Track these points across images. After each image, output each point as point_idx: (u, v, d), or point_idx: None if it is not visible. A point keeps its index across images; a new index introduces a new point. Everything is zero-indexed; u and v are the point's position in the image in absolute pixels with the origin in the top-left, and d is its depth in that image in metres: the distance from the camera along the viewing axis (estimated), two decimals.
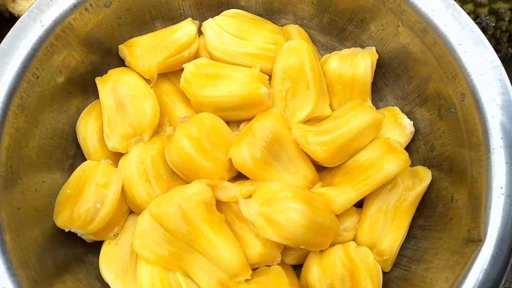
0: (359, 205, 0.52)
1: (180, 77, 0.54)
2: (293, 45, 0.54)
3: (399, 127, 0.55)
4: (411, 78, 0.55)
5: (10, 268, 0.41)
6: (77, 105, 0.56)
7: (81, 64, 0.55)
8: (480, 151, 0.45)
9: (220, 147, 0.50)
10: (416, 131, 0.56)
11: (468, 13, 0.50)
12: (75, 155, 0.55)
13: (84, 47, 0.54)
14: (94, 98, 0.57)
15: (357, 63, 0.56)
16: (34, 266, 0.44)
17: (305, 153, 0.51)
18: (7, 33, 0.49)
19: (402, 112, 0.57)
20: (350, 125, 0.50)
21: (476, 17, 0.57)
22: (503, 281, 0.40)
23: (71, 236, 0.49)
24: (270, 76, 0.55)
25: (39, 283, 0.43)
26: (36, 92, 0.49)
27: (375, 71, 0.58)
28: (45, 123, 0.51)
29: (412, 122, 0.55)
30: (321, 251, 0.48)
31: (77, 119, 0.55)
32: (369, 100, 0.57)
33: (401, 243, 0.51)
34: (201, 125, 0.50)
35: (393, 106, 0.58)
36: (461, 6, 0.49)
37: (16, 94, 0.47)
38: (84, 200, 0.48)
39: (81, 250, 0.51)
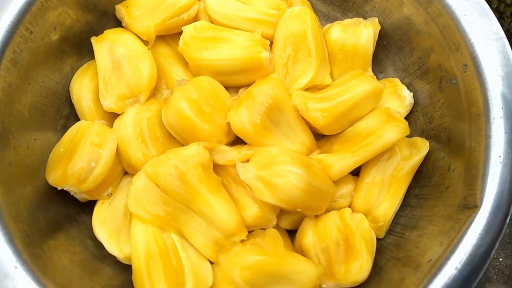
0: (356, 173, 0.52)
1: (179, 40, 0.53)
2: (296, 11, 0.53)
3: (398, 98, 0.55)
4: (413, 50, 0.55)
5: (1, 221, 0.40)
6: (72, 65, 0.54)
7: (76, 23, 0.53)
8: (480, 121, 0.45)
9: (219, 111, 0.49)
10: (415, 103, 0.55)
11: None
12: (69, 115, 0.54)
13: (79, 5, 0.53)
14: (89, 59, 0.56)
15: (359, 33, 0.55)
16: (26, 221, 0.43)
17: (305, 120, 0.50)
18: None
19: (402, 84, 0.56)
20: (350, 93, 0.50)
21: None
22: (496, 246, 0.40)
23: (64, 195, 0.48)
24: (271, 42, 0.54)
25: (31, 237, 0.42)
26: (29, 48, 0.48)
27: (376, 43, 0.58)
28: (38, 80, 0.50)
29: (411, 93, 0.55)
30: (316, 216, 0.48)
31: (71, 79, 0.54)
32: (370, 70, 0.56)
33: (396, 211, 0.51)
34: (200, 88, 0.49)
35: (393, 78, 0.58)
36: None
37: (8, 48, 0.46)
38: (78, 158, 0.47)
39: (74, 209, 0.51)
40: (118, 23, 0.57)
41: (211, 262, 0.46)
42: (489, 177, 0.42)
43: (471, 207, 0.42)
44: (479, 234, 0.40)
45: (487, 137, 0.44)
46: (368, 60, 0.56)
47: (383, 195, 0.49)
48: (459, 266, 0.39)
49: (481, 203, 0.41)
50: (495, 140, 0.43)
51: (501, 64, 0.45)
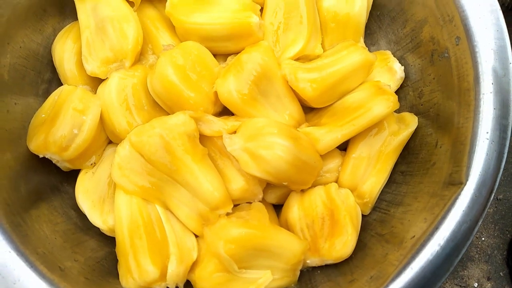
0: (344, 148, 0.51)
1: (166, 2, 0.51)
2: None
3: (389, 71, 0.54)
4: (406, 21, 0.54)
5: None
6: (53, 26, 0.52)
7: None
8: (469, 96, 0.45)
9: (206, 79, 0.48)
10: (406, 78, 0.55)
11: None
12: (51, 80, 0.52)
13: None
14: (72, 20, 0.53)
15: (352, 1, 0.53)
16: (5, 189, 0.42)
17: (294, 92, 0.49)
18: None
19: (394, 57, 0.55)
20: (341, 64, 0.49)
21: None
22: (479, 223, 0.41)
23: (46, 164, 0.47)
24: (262, 7, 0.53)
25: (11, 205, 0.42)
26: (8, 4, 0.45)
27: (369, 14, 0.56)
28: (18, 41, 0.47)
29: (403, 67, 0.54)
30: (303, 191, 0.48)
31: (53, 41, 0.52)
32: (362, 40, 0.55)
33: (382, 187, 0.51)
34: (187, 54, 0.48)
35: (385, 50, 0.57)
36: None
37: None
38: (60, 125, 0.45)
39: (57, 178, 0.50)
40: None
41: (196, 236, 0.46)
42: (475, 153, 0.42)
43: (456, 183, 0.42)
44: (463, 210, 0.40)
45: (476, 112, 0.43)
46: (361, 30, 0.55)
47: (370, 171, 0.49)
48: (442, 243, 0.40)
49: (467, 180, 0.41)
50: (483, 116, 0.43)
51: (494, 37, 0.45)
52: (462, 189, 0.41)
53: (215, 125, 0.47)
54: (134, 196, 0.44)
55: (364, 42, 0.57)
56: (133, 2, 0.51)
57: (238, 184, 0.46)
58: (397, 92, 0.55)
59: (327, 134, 0.47)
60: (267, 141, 0.44)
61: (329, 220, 0.46)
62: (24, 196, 0.44)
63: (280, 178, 0.45)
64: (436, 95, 0.50)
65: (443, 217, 0.40)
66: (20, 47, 0.48)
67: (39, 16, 0.50)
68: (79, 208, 0.48)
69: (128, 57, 0.49)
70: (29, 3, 0.48)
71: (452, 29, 0.47)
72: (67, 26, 0.52)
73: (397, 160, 0.52)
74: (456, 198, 0.41)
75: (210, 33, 0.49)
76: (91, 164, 0.49)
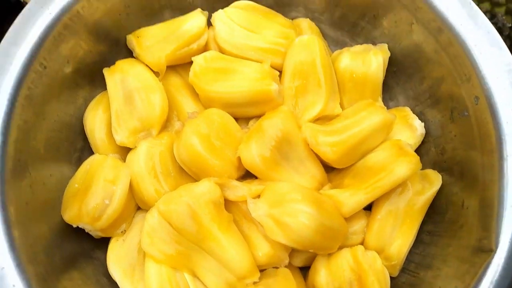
0: (368, 207, 0.51)
1: (189, 70, 0.53)
2: (305, 41, 0.53)
3: (409, 128, 0.55)
4: (424, 78, 0.55)
5: (19, 265, 0.41)
6: (85, 96, 0.55)
7: (88, 54, 0.54)
8: (493, 158, 0.45)
9: (229, 145, 0.50)
10: (427, 133, 0.55)
11: (485, 12, 0.49)
12: (83, 148, 0.55)
13: (92, 36, 0.53)
14: (102, 89, 0.56)
15: (369, 61, 0.55)
16: (43, 262, 0.44)
17: (315, 153, 0.50)
18: (13, 19, 0.47)
19: (413, 112, 0.56)
20: (361, 126, 0.50)
21: (492, 17, 0.56)
22: None
23: (79, 231, 0.49)
24: (280, 71, 0.55)
25: (48, 280, 0.43)
26: (43, 83, 0.48)
27: (386, 69, 0.57)
28: (53, 115, 0.50)
29: (423, 123, 0.55)
30: (329, 254, 0.48)
31: (85, 110, 0.55)
32: (380, 99, 0.56)
33: (409, 248, 0.51)
34: (210, 122, 0.49)
35: (404, 106, 0.58)
36: (478, 5, 0.48)
37: (23, 85, 0.46)
38: (92, 195, 0.48)
39: (89, 245, 0.51)
40: (130, 52, 0.57)
41: None
42: (504, 219, 0.42)
43: (486, 250, 0.41)
44: (495, 280, 0.39)
45: (500, 175, 0.43)
46: (378, 88, 0.56)
47: (396, 232, 0.49)
48: None
49: (496, 247, 0.40)
50: (509, 180, 0.43)
51: None
52: (492, 257, 0.40)
53: (240, 190, 0.48)
54: (164, 265, 0.45)
55: (383, 97, 0.58)
56: (158, 72, 0.54)
57: (264, 250, 0.47)
58: (418, 147, 0.56)
59: (351, 197, 0.48)
60: (292, 207, 0.45)
61: (357, 285, 0.46)
62: (58, 267, 0.46)
63: (306, 245, 0.45)
64: (459, 153, 0.50)
65: (474, 287, 0.40)
66: (55, 121, 0.50)
67: (71, 90, 0.52)
68: (110, 275, 0.49)
69: (155, 126, 0.51)
70: (62, 79, 0.50)
71: (470, 88, 0.48)
72: (98, 96, 0.55)
73: (424, 219, 0.51)
74: (487, 266, 0.40)
75: (232, 101, 0.51)
76: (122, 231, 0.50)
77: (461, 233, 0.46)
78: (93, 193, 0.48)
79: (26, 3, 0.63)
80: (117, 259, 0.49)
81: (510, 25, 0.55)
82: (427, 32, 0.51)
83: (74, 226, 0.48)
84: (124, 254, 0.49)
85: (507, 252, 0.40)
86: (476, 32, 0.48)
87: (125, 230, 0.50)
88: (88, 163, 0.51)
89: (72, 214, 0.47)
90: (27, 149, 0.47)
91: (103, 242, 0.51)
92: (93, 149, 0.54)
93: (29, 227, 0.44)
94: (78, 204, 0.47)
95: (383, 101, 0.57)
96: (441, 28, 0.49)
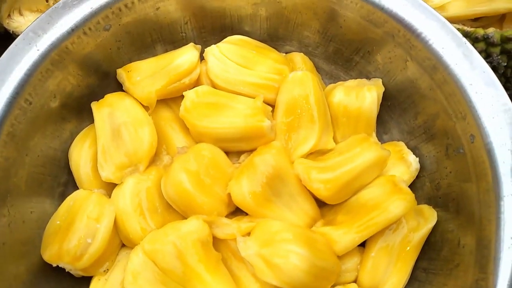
0: (361, 243, 0.50)
1: (180, 103, 0.52)
2: (298, 77, 0.53)
3: (404, 163, 0.53)
4: (418, 114, 0.54)
5: None
6: (71, 130, 0.53)
7: (76, 88, 0.53)
8: (489, 197, 0.43)
9: (219, 181, 0.48)
10: (422, 168, 0.54)
11: (480, 52, 0.49)
12: (67, 182, 0.53)
13: (80, 71, 0.52)
14: (89, 122, 0.55)
15: (363, 96, 0.54)
16: None
17: (307, 189, 0.49)
18: (1, 50, 0.46)
19: (408, 147, 0.55)
20: (355, 163, 0.48)
21: (487, 56, 0.56)
22: None
23: (59, 270, 0.47)
24: (273, 106, 0.54)
25: None
26: (28, 119, 0.47)
27: (380, 103, 0.57)
28: (36, 150, 0.49)
29: (417, 158, 0.54)
30: None
31: (70, 144, 0.53)
32: (374, 134, 0.55)
33: (404, 286, 0.49)
34: (200, 158, 0.48)
35: (398, 140, 0.57)
36: (473, 45, 0.48)
37: (6, 122, 0.45)
38: (74, 233, 0.45)
39: (69, 285, 0.49)
40: (119, 84, 0.56)
41: None
42: (501, 260, 0.40)
43: None
44: None
45: (498, 216, 0.42)
46: (372, 123, 0.55)
47: (391, 269, 0.48)
48: None
49: None
50: (507, 220, 0.41)
51: (510, 138, 0.44)
52: None
53: (229, 228, 0.47)
54: None
55: (377, 130, 0.57)
56: (148, 107, 0.53)
57: None
58: (413, 182, 0.54)
59: (344, 236, 0.46)
60: (282, 248, 0.43)
61: None
62: None
63: (297, 287, 0.43)
64: (455, 190, 0.49)
65: None
66: (38, 155, 0.49)
67: (57, 124, 0.51)
68: None
69: (143, 161, 0.49)
70: (48, 114, 0.49)
71: (466, 126, 0.47)
72: (84, 129, 0.54)
73: (419, 255, 0.49)
74: None
75: (223, 136, 0.50)
76: (104, 270, 0.48)
77: (457, 272, 0.44)
78: (75, 231, 0.46)
79: (14, 33, 0.64)
80: None
81: (505, 64, 0.55)
82: (422, 70, 0.51)
83: (54, 265, 0.45)
84: None
85: None
86: (472, 71, 0.47)
87: (107, 269, 0.48)
88: (72, 199, 0.49)
89: (52, 253, 0.45)
90: (6, 187, 0.45)
91: (85, 281, 0.48)
92: (78, 184, 0.52)
93: (5, 268, 0.42)
94: (59, 242, 0.45)
95: (377, 134, 0.56)
96: (436, 66, 0.49)
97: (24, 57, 0.46)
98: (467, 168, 0.47)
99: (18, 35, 0.47)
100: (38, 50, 0.46)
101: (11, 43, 0.47)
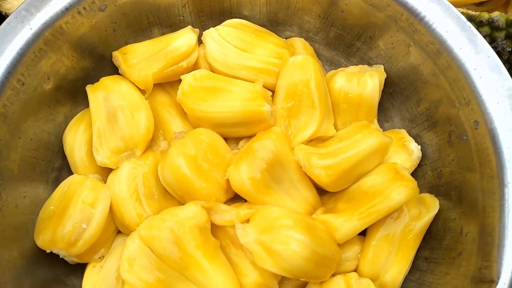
0: (362, 232, 0.49)
1: (178, 88, 0.51)
2: (299, 61, 0.52)
3: (406, 151, 0.53)
4: (420, 100, 0.53)
5: None
6: (65, 114, 0.52)
7: (71, 70, 0.51)
8: (493, 184, 0.43)
9: (218, 167, 0.47)
10: (424, 156, 0.53)
11: (484, 37, 0.48)
12: (61, 167, 0.52)
13: (75, 53, 0.51)
14: (84, 107, 0.53)
15: (364, 82, 0.53)
16: None
17: (308, 175, 0.48)
18: None
19: (410, 135, 0.54)
20: (356, 149, 0.47)
21: (492, 41, 0.55)
22: None
23: (53, 257, 0.46)
24: (273, 91, 0.52)
25: None
26: (20, 100, 0.45)
27: (382, 90, 0.56)
28: (29, 133, 0.47)
29: (419, 146, 0.53)
30: (321, 281, 0.45)
31: (65, 128, 0.52)
32: (375, 121, 0.54)
33: (405, 276, 0.48)
34: (198, 142, 0.47)
35: (399, 127, 0.56)
36: (477, 29, 0.47)
37: None
38: (69, 219, 0.44)
39: (63, 271, 0.48)
40: (115, 68, 0.55)
41: None
42: (505, 248, 0.39)
43: (487, 281, 0.39)
44: None
45: (501, 203, 0.41)
46: (374, 110, 0.54)
47: (391, 259, 0.47)
48: None
49: (498, 278, 0.38)
50: (510, 207, 0.41)
51: None
52: None
53: (227, 215, 0.46)
54: None
55: (378, 118, 0.56)
56: (145, 90, 0.51)
57: (252, 278, 0.44)
58: (415, 171, 0.54)
59: (345, 223, 0.45)
60: (282, 234, 0.42)
61: None
62: None
63: (297, 274, 0.42)
64: (457, 178, 0.48)
65: None
66: (31, 139, 0.48)
67: (51, 107, 0.50)
68: None
69: (139, 146, 0.48)
70: (41, 96, 0.48)
71: (470, 112, 0.46)
72: (79, 114, 0.53)
73: (420, 244, 0.49)
74: None
75: (221, 121, 0.49)
76: (99, 257, 0.47)
77: (459, 261, 0.44)
78: (69, 216, 0.44)
79: (7, 14, 0.62)
80: (93, 287, 0.45)
81: (510, 49, 0.54)
82: (425, 55, 0.50)
83: (48, 251, 0.44)
84: (101, 282, 0.45)
85: (510, 283, 0.38)
86: (476, 56, 0.46)
87: (103, 256, 0.47)
88: (66, 184, 0.48)
89: (46, 239, 0.44)
90: None
91: (79, 268, 0.47)
92: (72, 169, 0.51)
93: None
94: (52, 228, 0.44)
95: (378, 122, 0.55)
96: (439, 51, 0.48)
97: (16, 35, 0.44)
98: (471, 155, 0.46)
99: None
100: (31, 28, 0.45)
101: None
